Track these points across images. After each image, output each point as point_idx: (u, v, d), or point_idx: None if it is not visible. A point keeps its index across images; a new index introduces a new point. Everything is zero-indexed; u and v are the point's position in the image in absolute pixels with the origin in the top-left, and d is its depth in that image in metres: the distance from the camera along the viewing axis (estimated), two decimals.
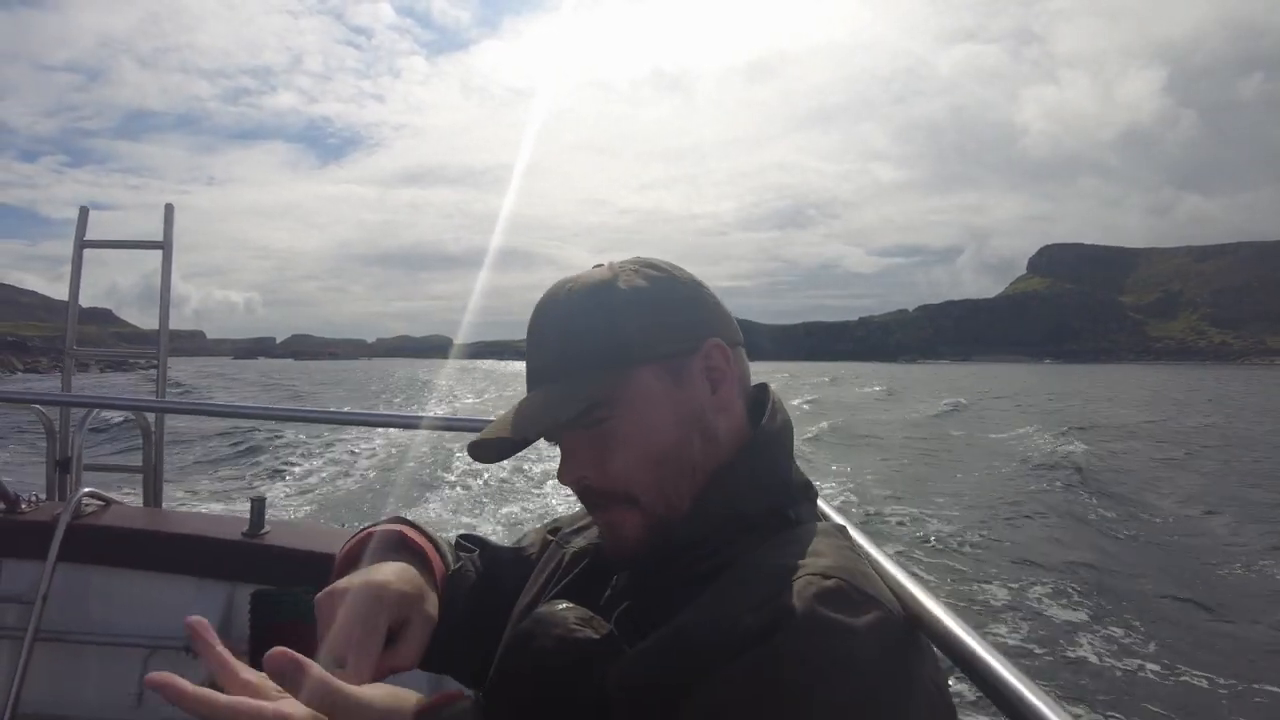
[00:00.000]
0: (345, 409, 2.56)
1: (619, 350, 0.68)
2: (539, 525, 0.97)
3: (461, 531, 0.91)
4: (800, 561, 0.58)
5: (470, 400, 34.77)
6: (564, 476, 0.71)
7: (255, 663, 1.99)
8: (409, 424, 2.03)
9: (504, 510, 9.46)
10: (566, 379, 0.69)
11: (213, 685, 2.05)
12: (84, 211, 2.58)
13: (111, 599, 1.84)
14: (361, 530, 0.77)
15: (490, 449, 0.71)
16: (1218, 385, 65.93)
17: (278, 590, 1.60)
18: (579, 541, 0.81)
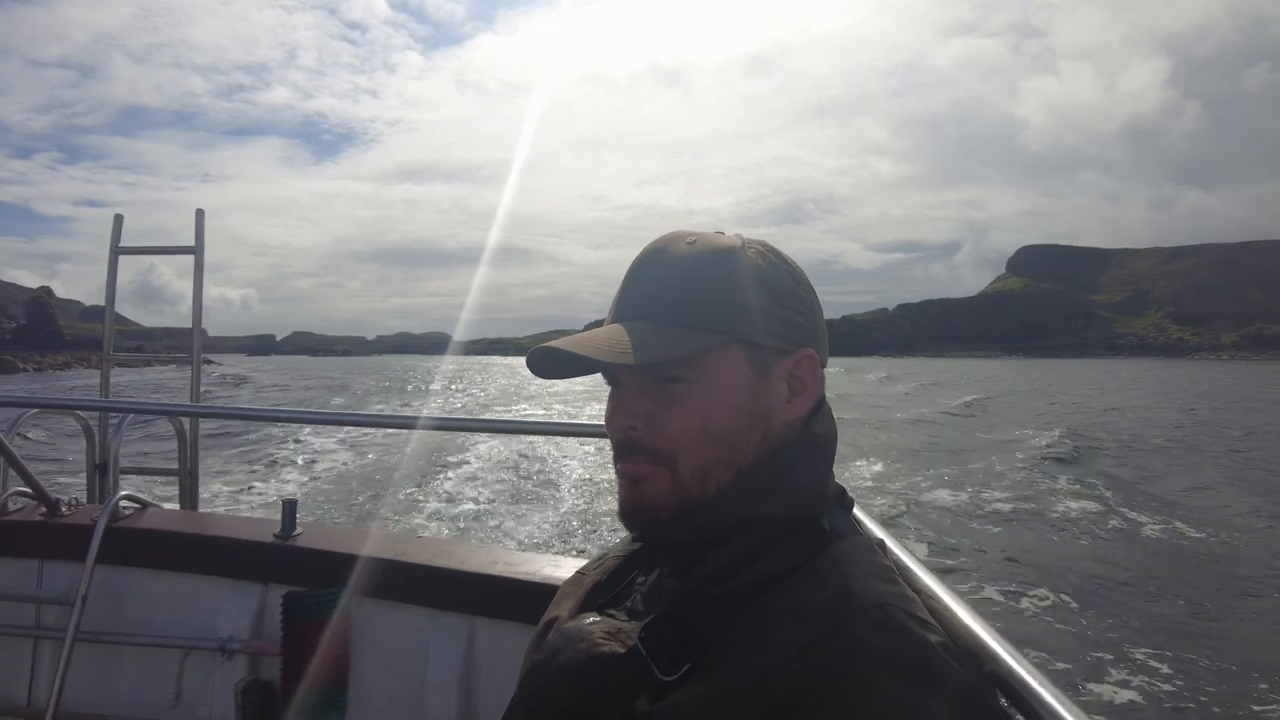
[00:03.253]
0: (375, 410, 2.42)
1: (724, 318, 0.64)
2: None
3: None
4: (841, 594, 0.55)
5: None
6: (617, 418, 0.66)
7: (288, 661, 1.93)
8: (438, 426, 2.02)
9: (534, 506, 9.40)
10: (663, 323, 0.64)
11: (248, 685, 1.85)
12: (119, 219, 2.52)
13: (148, 600, 1.83)
14: None
15: (556, 362, 0.66)
16: (1146, 374, 69.36)
17: (309, 591, 1.63)
18: (597, 576, 0.76)
